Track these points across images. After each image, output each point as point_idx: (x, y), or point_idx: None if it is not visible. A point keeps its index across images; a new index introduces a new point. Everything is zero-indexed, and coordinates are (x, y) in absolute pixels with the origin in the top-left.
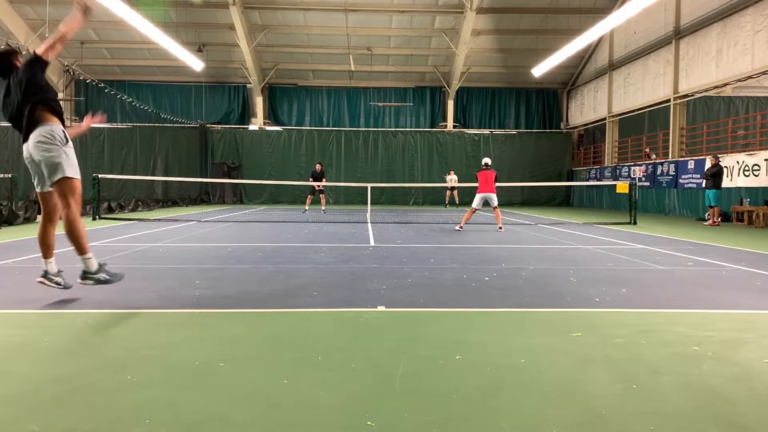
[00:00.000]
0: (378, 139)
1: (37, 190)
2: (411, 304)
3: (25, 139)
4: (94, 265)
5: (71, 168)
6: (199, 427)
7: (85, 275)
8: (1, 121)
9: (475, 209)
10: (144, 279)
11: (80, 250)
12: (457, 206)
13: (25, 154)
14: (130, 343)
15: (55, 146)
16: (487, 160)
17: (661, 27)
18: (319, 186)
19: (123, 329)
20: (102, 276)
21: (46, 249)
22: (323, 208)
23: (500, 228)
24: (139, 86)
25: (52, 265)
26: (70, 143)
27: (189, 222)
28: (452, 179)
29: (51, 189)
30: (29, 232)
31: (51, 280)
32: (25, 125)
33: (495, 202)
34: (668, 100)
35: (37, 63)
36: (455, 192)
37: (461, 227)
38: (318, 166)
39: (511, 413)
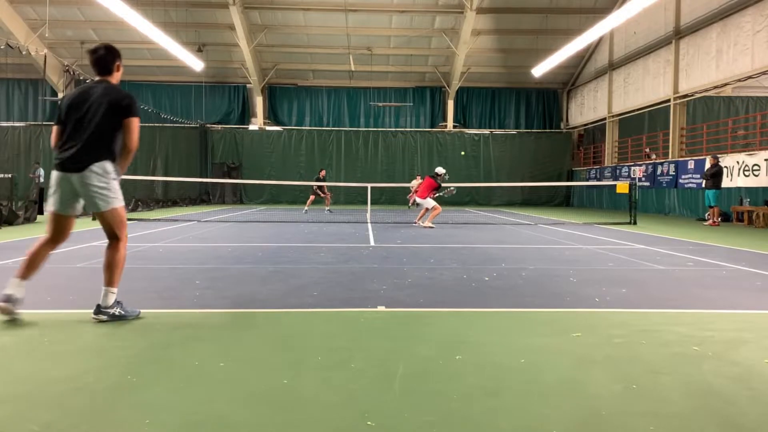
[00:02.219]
0: (378, 139)
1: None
2: (411, 304)
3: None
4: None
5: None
6: (199, 427)
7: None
8: (1, 121)
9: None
10: (144, 279)
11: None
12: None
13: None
14: (130, 343)
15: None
16: (438, 170)
17: (661, 27)
18: (322, 194)
19: (123, 329)
20: (117, 311)
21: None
22: (328, 207)
23: (422, 225)
24: (139, 86)
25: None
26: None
27: (189, 222)
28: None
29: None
30: (29, 232)
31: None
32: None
33: (428, 204)
34: (668, 100)
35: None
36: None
37: (417, 223)
38: (322, 173)
39: (511, 413)
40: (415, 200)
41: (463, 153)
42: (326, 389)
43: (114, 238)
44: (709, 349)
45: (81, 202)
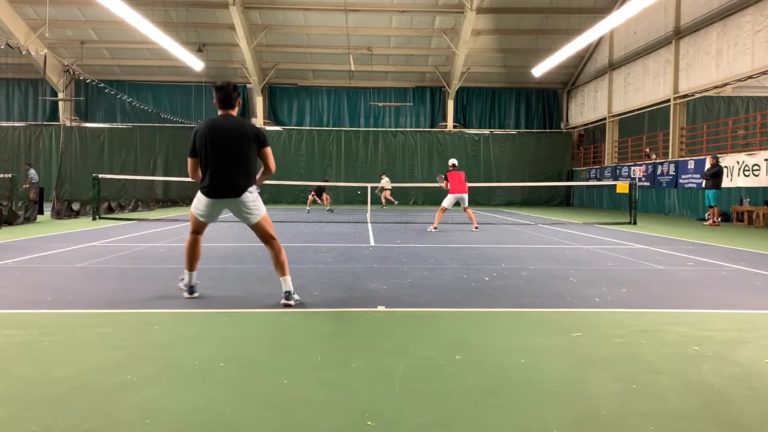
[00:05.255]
0: (378, 139)
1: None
2: (411, 304)
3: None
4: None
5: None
6: (199, 427)
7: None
8: (1, 121)
9: (446, 209)
10: (144, 279)
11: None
12: (388, 206)
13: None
14: (130, 343)
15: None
16: (455, 161)
17: (661, 27)
18: (319, 199)
19: (123, 329)
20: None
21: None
22: (328, 207)
23: (476, 227)
24: (139, 86)
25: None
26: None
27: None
28: (387, 181)
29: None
30: (29, 232)
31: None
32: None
33: (467, 202)
34: (668, 100)
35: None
36: (386, 193)
37: (436, 228)
38: (324, 182)
39: (511, 413)
40: (387, 199)
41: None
42: (326, 389)
43: (269, 240)
44: (709, 349)
45: (222, 213)
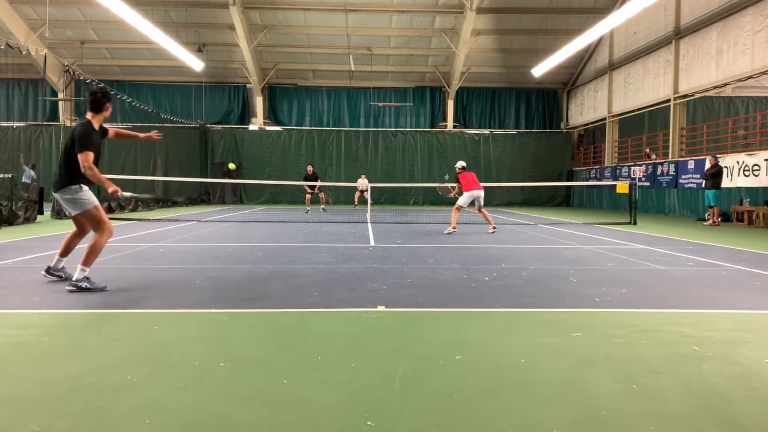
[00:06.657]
0: (378, 139)
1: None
2: (411, 304)
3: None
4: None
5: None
6: (199, 427)
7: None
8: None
9: (461, 207)
10: (144, 279)
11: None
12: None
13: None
14: (130, 343)
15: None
16: (463, 163)
17: (661, 27)
18: (312, 191)
19: (123, 329)
20: (84, 284)
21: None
22: (323, 206)
23: (494, 228)
24: (139, 86)
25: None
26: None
27: (189, 222)
28: (363, 183)
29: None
30: (29, 232)
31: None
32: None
33: (482, 201)
34: (668, 100)
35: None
36: (366, 194)
37: (454, 228)
38: (309, 168)
39: (511, 413)
40: (361, 198)
41: (232, 166)
42: (326, 389)
43: (92, 230)
44: (709, 349)
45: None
